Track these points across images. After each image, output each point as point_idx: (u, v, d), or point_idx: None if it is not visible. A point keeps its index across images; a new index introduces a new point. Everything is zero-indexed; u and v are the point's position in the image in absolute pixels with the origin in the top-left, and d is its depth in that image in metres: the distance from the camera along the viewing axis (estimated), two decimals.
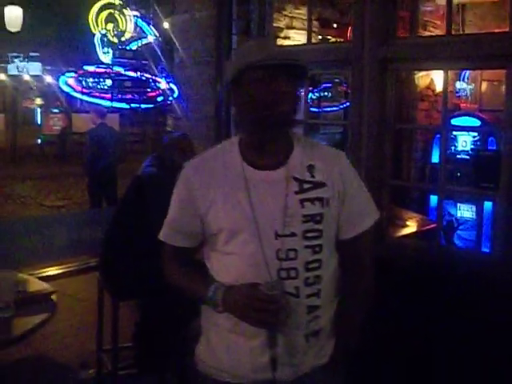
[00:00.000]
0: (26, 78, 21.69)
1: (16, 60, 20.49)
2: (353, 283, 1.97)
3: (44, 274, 6.08)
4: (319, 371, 1.92)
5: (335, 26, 6.71)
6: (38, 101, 27.36)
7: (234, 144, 1.92)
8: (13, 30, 13.01)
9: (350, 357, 2.02)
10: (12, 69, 20.65)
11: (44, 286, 3.41)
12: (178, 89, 5.28)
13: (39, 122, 23.36)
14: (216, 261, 1.90)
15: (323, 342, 1.92)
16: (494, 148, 5.00)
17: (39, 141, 22.45)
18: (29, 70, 20.58)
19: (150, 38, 17.04)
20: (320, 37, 6.35)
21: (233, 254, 1.83)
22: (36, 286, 3.39)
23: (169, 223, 1.98)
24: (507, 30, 3.29)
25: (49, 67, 20.26)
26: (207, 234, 1.89)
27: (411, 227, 4.86)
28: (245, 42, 2.08)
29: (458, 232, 5.68)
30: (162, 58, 15.34)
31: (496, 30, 4.83)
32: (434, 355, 3.24)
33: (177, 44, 5.02)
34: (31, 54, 20.37)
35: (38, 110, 25.84)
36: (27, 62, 20.60)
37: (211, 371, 1.94)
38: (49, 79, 20.44)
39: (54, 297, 3.25)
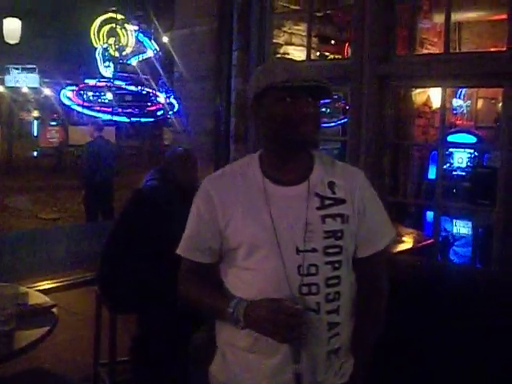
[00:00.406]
0: (24, 90, 21.70)
1: (14, 72, 20.50)
2: (368, 301, 1.95)
3: (39, 288, 6.04)
4: None
5: (333, 42, 6.77)
6: (35, 113, 27.37)
7: (254, 159, 1.90)
8: (11, 41, 13.06)
9: (367, 376, 2.01)
10: (9, 81, 20.66)
11: (45, 299, 3.39)
12: (177, 103, 5.31)
13: (36, 134, 23.32)
14: (234, 277, 1.86)
15: (343, 359, 1.90)
16: (490, 165, 5.04)
17: (35, 153, 22.45)
18: (26, 82, 20.59)
19: (151, 53, 17.12)
20: (318, 53, 6.41)
21: (253, 270, 1.80)
22: (37, 299, 3.36)
23: (187, 238, 1.93)
24: (504, 48, 3.33)
25: (47, 80, 20.29)
26: (226, 250, 1.86)
27: (407, 243, 4.87)
28: (269, 60, 2.07)
29: (454, 248, 5.69)
30: (161, 72, 15.39)
31: (492, 49, 4.89)
32: (430, 369, 3.24)
33: (176, 59, 5.05)
34: (29, 66, 20.39)
35: (35, 122, 25.83)
36: (25, 74, 20.61)
37: None
38: (47, 91, 20.48)
39: (54, 310, 3.23)
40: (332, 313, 1.81)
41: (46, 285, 6.29)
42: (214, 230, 1.85)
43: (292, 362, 1.77)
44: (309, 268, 1.77)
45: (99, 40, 18.65)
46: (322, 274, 1.79)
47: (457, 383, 3.15)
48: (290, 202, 1.80)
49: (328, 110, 8.83)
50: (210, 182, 1.92)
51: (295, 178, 1.84)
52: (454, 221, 5.74)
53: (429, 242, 4.39)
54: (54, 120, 23.11)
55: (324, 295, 1.79)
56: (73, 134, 20.03)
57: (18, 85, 20.70)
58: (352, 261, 1.90)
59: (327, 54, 6.78)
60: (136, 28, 18.00)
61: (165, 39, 12.86)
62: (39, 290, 5.76)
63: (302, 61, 4.53)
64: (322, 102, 1.86)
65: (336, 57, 6.46)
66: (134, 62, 18.09)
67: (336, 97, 8.52)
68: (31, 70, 20.31)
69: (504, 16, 3.41)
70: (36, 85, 20.61)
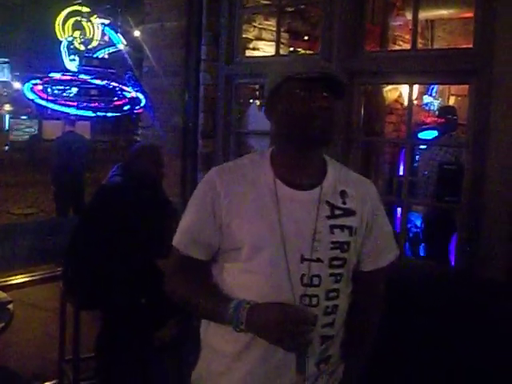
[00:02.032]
0: None
1: None
2: (365, 314, 1.92)
3: (8, 283, 5.99)
4: None
5: (306, 38, 6.76)
6: (7, 107, 27.07)
7: (265, 157, 1.82)
8: None
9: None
10: None
11: (1, 295, 3.34)
12: (145, 98, 5.27)
13: (7, 129, 23.05)
14: (233, 278, 1.77)
15: (334, 367, 1.85)
16: (457, 161, 5.08)
17: (6, 148, 22.18)
18: None
19: (119, 47, 16.98)
20: (292, 49, 6.39)
21: (255, 273, 1.71)
22: None
23: (186, 231, 1.82)
24: (471, 45, 3.34)
25: (18, 73, 20.07)
26: (227, 249, 1.77)
27: None
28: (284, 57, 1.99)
29: (423, 244, 5.73)
30: (129, 66, 15.27)
31: (461, 46, 4.92)
32: (397, 365, 3.25)
33: (147, 53, 5.00)
34: (1, 59, 20.15)
35: (7, 116, 25.53)
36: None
37: None
38: (17, 85, 20.25)
39: (10, 306, 3.18)
40: (327, 326, 1.76)
41: (15, 280, 6.24)
42: (215, 225, 1.75)
43: (296, 370, 1.71)
44: (312, 279, 1.71)
45: (64, 33, 18.46)
46: (324, 285, 1.73)
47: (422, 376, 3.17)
48: (300, 208, 1.73)
49: None
50: (218, 173, 1.81)
51: (308, 182, 1.77)
52: (424, 217, 5.78)
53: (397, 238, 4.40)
54: (25, 114, 22.85)
55: (323, 308, 1.74)
56: (47, 129, 19.85)
57: None
58: (353, 273, 1.85)
59: (299, 49, 6.76)
60: (103, 21, 17.83)
61: (136, 33, 12.77)
62: (9, 285, 5.73)
63: (272, 56, 4.52)
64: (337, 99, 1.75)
65: (308, 53, 6.44)
66: (100, 55, 17.93)
67: None
68: (2, 64, 20.07)
69: (472, 13, 3.42)
70: (6, 79, 20.38)
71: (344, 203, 1.78)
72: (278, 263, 1.69)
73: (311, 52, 6.37)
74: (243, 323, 1.64)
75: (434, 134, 6.14)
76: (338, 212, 1.76)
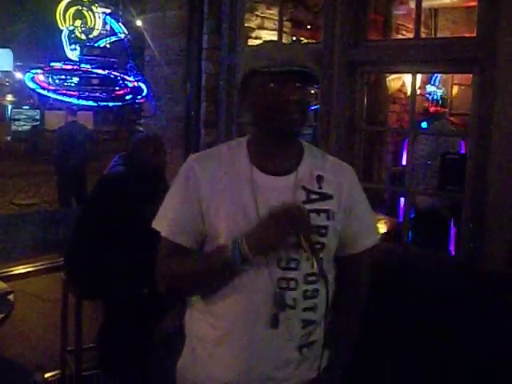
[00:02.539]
0: None
1: None
2: (349, 299, 1.94)
3: (10, 273, 6.00)
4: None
5: (309, 27, 6.73)
6: (10, 97, 27.02)
7: (242, 145, 1.84)
8: None
9: (345, 370, 2.00)
10: None
11: (1, 285, 3.33)
12: (147, 88, 5.25)
13: (9, 119, 23.02)
14: None
15: (318, 353, 1.85)
16: (462, 151, 5.05)
17: (8, 138, 22.16)
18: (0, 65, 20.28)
19: (122, 36, 16.92)
20: (294, 38, 6.36)
21: None
22: None
23: (172, 220, 1.82)
24: (474, 34, 3.32)
25: (20, 63, 20.02)
26: (208, 235, 1.79)
27: (380, 229, 4.88)
28: (259, 44, 2.00)
29: (426, 233, 5.71)
30: (131, 56, 15.22)
31: (465, 35, 4.88)
32: (400, 354, 3.26)
33: (149, 42, 4.98)
34: (3, 49, 20.08)
35: (9, 106, 25.49)
36: None
37: None
38: (19, 75, 20.22)
39: (11, 297, 3.17)
40: (308, 310, 1.78)
41: (18, 270, 6.26)
42: (200, 213, 1.76)
43: (273, 305, 1.73)
44: (289, 262, 1.73)
45: (65, 22, 18.39)
46: (302, 269, 1.74)
47: (421, 367, 3.17)
48: (276, 193, 1.74)
49: None
50: (197, 161, 1.83)
51: (283, 168, 1.78)
52: (427, 207, 5.76)
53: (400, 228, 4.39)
54: (28, 104, 22.81)
55: (302, 291, 1.75)
56: (49, 119, 19.82)
57: None
58: (335, 258, 1.87)
59: (302, 38, 6.73)
60: (104, 10, 17.77)
61: (138, 23, 12.72)
62: (11, 275, 5.74)
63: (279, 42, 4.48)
64: (308, 89, 1.77)
65: (310, 41, 6.41)
66: (102, 45, 17.87)
67: None
68: (5, 54, 20.00)
69: (476, 2, 3.39)
70: (9, 68, 20.33)
71: (320, 188, 1.79)
72: None
73: (314, 41, 6.34)
74: (246, 248, 1.65)
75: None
76: (314, 196, 1.78)
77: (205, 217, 1.76)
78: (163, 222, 1.83)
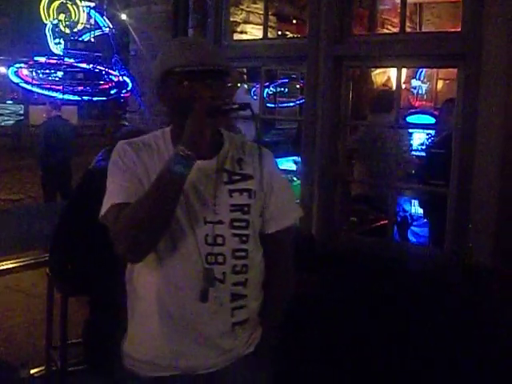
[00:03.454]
0: None
1: None
2: (276, 276, 2.04)
3: None
4: (243, 361, 1.97)
5: (295, 21, 6.73)
6: None
7: (166, 133, 1.94)
8: None
9: (274, 347, 2.08)
10: None
11: None
12: (132, 82, 5.23)
13: None
14: None
15: (251, 331, 1.98)
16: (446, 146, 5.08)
17: None
18: None
19: (105, 30, 16.83)
20: (280, 32, 6.37)
21: (165, 236, 1.80)
22: None
23: (123, 187, 1.83)
24: (459, 29, 3.33)
25: (2, 57, 19.84)
26: None
27: (365, 224, 4.89)
28: (168, 42, 2.11)
29: (413, 228, 5.74)
30: (116, 50, 15.13)
31: (449, 30, 4.90)
32: (384, 350, 3.27)
33: (134, 36, 4.96)
34: None
35: None
36: None
37: (137, 365, 1.94)
38: (2, 70, 20.04)
39: None
40: (238, 285, 1.89)
41: (2, 265, 6.21)
42: (138, 179, 1.83)
43: (202, 280, 1.81)
44: (215, 238, 1.84)
45: (49, 16, 18.27)
46: (229, 245, 1.86)
47: (405, 363, 3.19)
48: (200, 174, 1.83)
49: (286, 90, 8.79)
50: (128, 144, 1.92)
51: (205, 152, 1.80)
52: (413, 201, 5.78)
53: (384, 222, 4.41)
54: (11, 99, 22.60)
55: (231, 266, 1.86)
56: (33, 114, 19.64)
57: None
58: (260, 236, 1.98)
59: (288, 33, 6.73)
60: (88, 4, 17.68)
61: (123, 16, 12.65)
62: None
63: (259, 39, 4.48)
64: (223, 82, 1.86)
65: (296, 36, 6.41)
66: (86, 39, 17.78)
67: (294, 76, 8.49)
68: None
69: None
70: None
71: (241, 169, 1.93)
72: (182, 226, 1.82)
73: (299, 35, 6.35)
74: (183, 148, 1.67)
75: (427, 119, 6.13)
76: (235, 177, 1.91)
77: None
78: (108, 200, 1.84)
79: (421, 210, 5.24)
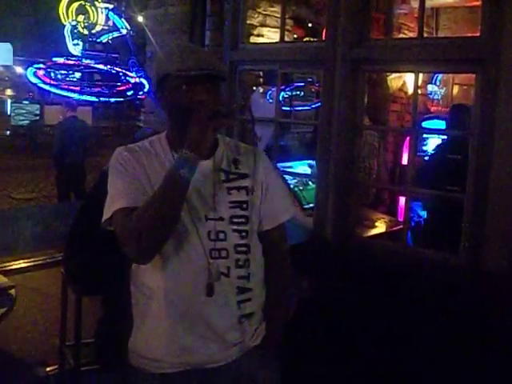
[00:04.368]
0: None
1: None
2: (275, 269, 2.11)
3: (10, 268, 5.99)
4: (251, 355, 2.01)
5: (310, 25, 6.72)
6: (9, 92, 26.95)
7: (162, 139, 1.98)
8: None
9: (279, 340, 2.13)
10: None
11: (3, 279, 3.32)
12: (149, 83, 5.24)
13: (9, 113, 22.93)
14: None
15: (257, 324, 2.04)
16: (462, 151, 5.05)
17: (8, 132, 22.08)
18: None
19: (123, 31, 16.91)
20: (295, 36, 6.35)
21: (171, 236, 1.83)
22: None
23: (127, 192, 1.88)
24: (477, 34, 3.31)
25: (21, 58, 19.98)
26: None
27: (379, 228, 4.88)
28: (166, 46, 2.15)
29: (427, 233, 5.70)
30: (133, 51, 15.21)
31: (468, 35, 4.87)
32: (396, 354, 3.26)
33: (150, 38, 4.97)
34: (3, 43, 20.03)
35: (9, 101, 25.42)
36: None
37: (145, 362, 1.96)
38: (20, 70, 20.17)
39: (12, 291, 3.16)
40: (242, 278, 1.95)
41: (17, 264, 6.23)
42: (140, 183, 1.87)
43: (208, 275, 1.85)
44: (218, 234, 1.90)
45: (68, 17, 18.37)
46: (231, 240, 1.92)
47: (417, 368, 3.17)
48: (198, 175, 1.83)
49: (302, 94, 8.77)
50: (126, 150, 1.97)
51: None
52: (427, 206, 5.75)
53: (400, 227, 4.39)
54: (27, 99, 22.72)
55: (234, 260, 1.92)
56: (48, 114, 19.75)
57: None
58: (257, 234, 2.05)
59: (304, 37, 6.72)
60: (107, 6, 17.77)
61: (139, 18, 12.71)
62: (10, 270, 5.73)
63: (276, 42, 4.48)
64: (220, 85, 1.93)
65: (312, 40, 6.40)
66: (104, 40, 17.87)
67: (310, 80, 8.47)
68: (5, 48, 19.96)
69: (479, 2, 3.38)
70: (9, 63, 20.28)
71: (237, 168, 2.00)
72: (185, 224, 1.86)
73: (315, 39, 6.34)
74: (186, 151, 1.72)
75: (441, 124, 6.09)
76: (232, 176, 1.98)
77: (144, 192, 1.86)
78: (113, 204, 1.93)
79: (435, 215, 5.21)
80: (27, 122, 21.28)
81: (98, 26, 18.32)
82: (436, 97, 8.08)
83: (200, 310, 1.88)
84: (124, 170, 1.91)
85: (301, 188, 4.94)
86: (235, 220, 1.94)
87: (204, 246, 1.87)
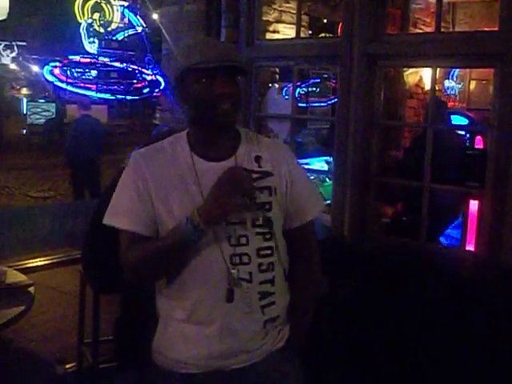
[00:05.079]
0: (13, 66, 21.47)
1: (1, 49, 20.27)
2: (302, 272, 2.05)
3: (27, 266, 6.02)
4: (275, 356, 1.98)
5: (325, 21, 6.71)
6: (25, 90, 27.09)
7: (181, 137, 1.94)
8: None
9: (304, 341, 2.11)
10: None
11: (22, 277, 3.34)
12: (165, 81, 5.25)
13: (25, 112, 23.11)
14: None
15: (281, 327, 2.01)
16: (481, 147, 4.99)
17: (24, 131, 22.22)
18: (16, 58, 20.36)
19: (137, 29, 16.96)
20: (310, 32, 6.34)
21: None
22: (13, 277, 3.31)
23: (127, 211, 1.90)
24: (496, 28, 3.27)
25: (36, 56, 20.09)
26: (160, 224, 1.88)
27: (398, 225, 4.85)
28: (184, 41, 2.14)
29: (446, 230, 5.66)
30: (148, 49, 15.25)
31: (486, 29, 4.83)
32: (417, 351, 3.24)
33: (165, 35, 4.97)
34: (18, 42, 20.15)
35: (25, 99, 25.55)
36: (15, 51, 20.39)
37: (168, 363, 1.96)
38: (35, 68, 20.28)
39: (31, 289, 3.18)
40: (266, 283, 1.90)
41: (34, 263, 6.28)
42: (149, 201, 1.86)
43: (227, 281, 1.83)
44: (239, 238, 1.85)
45: (83, 15, 18.46)
46: (253, 244, 1.87)
47: (437, 366, 3.15)
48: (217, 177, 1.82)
49: (318, 90, 8.76)
50: (140, 156, 1.94)
51: (222, 154, 1.89)
52: (445, 202, 5.70)
53: (417, 224, 4.35)
54: (43, 98, 22.84)
55: (256, 265, 1.88)
56: (69, 112, 19.82)
57: (7, 62, 20.47)
58: (283, 231, 1.99)
59: (320, 33, 6.71)
60: (122, 3, 17.83)
61: (155, 16, 12.73)
62: (27, 268, 5.76)
63: (292, 38, 4.46)
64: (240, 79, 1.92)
65: (327, 35, 6.38)
66: (120, 38, 17.92)
67: (326, 76, 8.45)
68: (20, 47, 20.08)
69: None
70: (25, 61, 20.34)
71: (260, 167, 1.93)
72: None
73: (331, 35, 6.31)
74: (197, 218, 1.73)
75: (460, 119, 6.04)
76: (255, 176, 1.90)
77: (155, 205, 1.86)
78: (119, 216, 1.93)
79: (454, 212, 5.17)
80: (43, 120, 21.39)
81: (113, 24, 18.41)
82: (453, 92, 8.02)
83: (223, 317, 1.86)
84: (132, 182, 1.89)
85: (318, 185, 4.93)
86: (258, 222, 1.88)
87: (223, 251, 1.83)
